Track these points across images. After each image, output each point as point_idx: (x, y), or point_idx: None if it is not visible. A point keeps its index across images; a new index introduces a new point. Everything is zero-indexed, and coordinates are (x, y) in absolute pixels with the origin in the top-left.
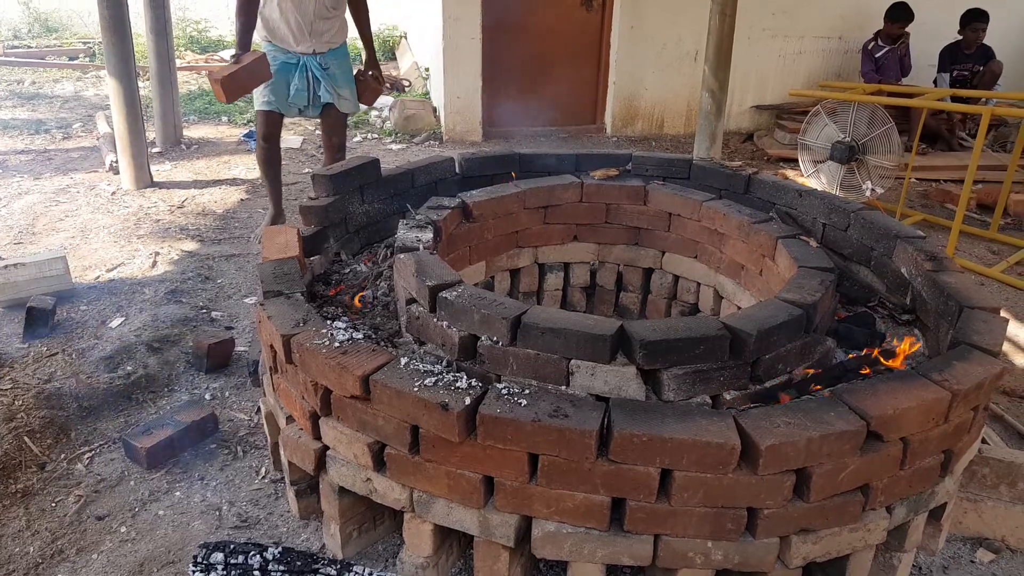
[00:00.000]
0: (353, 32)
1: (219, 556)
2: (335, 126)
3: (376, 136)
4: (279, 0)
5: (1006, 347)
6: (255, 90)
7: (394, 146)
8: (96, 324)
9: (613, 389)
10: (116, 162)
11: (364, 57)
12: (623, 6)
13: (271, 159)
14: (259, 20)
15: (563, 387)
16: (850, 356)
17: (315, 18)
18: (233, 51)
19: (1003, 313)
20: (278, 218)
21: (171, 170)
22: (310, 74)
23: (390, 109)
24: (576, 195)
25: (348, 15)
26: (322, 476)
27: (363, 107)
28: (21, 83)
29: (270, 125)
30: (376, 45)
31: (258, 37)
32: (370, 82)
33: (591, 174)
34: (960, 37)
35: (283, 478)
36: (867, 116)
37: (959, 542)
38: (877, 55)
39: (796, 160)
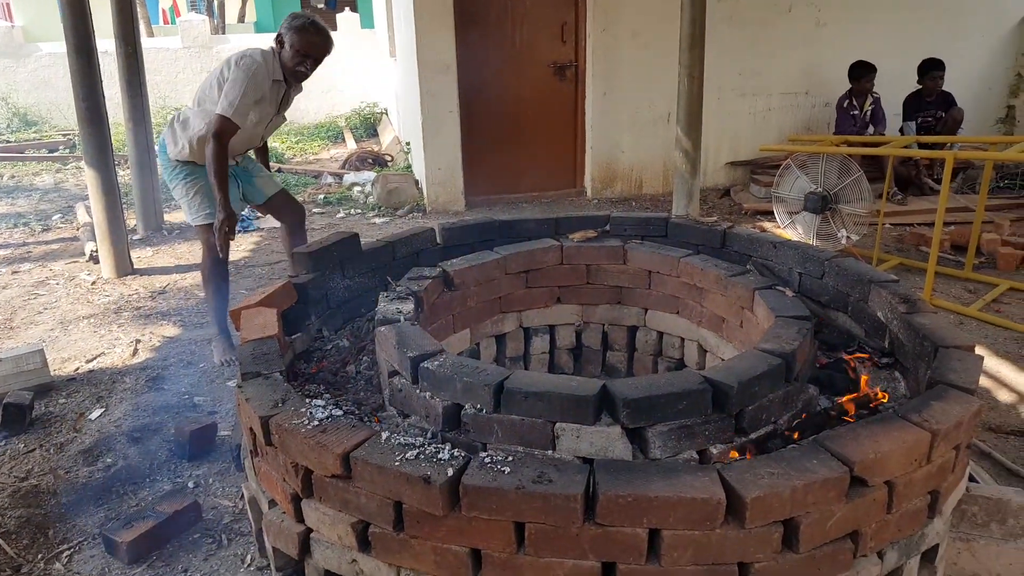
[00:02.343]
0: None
1: None
2: (283, 203)
3: (359, 211)
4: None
5: (990, 384)
6: (191, 205)
7: (378, 220)
8: (75, 417)
9: (600, 450)
10: (96, 251)
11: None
12: (595, 74)
13: (222, 273)
14: (187, 147)
15: (550, 451)
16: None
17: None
18: (220, 209)
19: (980, 350)
20: (227, 336)
21: (152, 256)
22: (237, 180)
23: (373, 184)
24: (556, 258)
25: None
26: (307, 560)
27: (347, 180)
28: (0, 178)
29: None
30: (358, 122)
31: (174, 156)
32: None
33: (570, 236)
34: (920, 86)
35: (269, 565)
36: (837, 167)
37: None
38: (853, 112)
39: (773, 213)
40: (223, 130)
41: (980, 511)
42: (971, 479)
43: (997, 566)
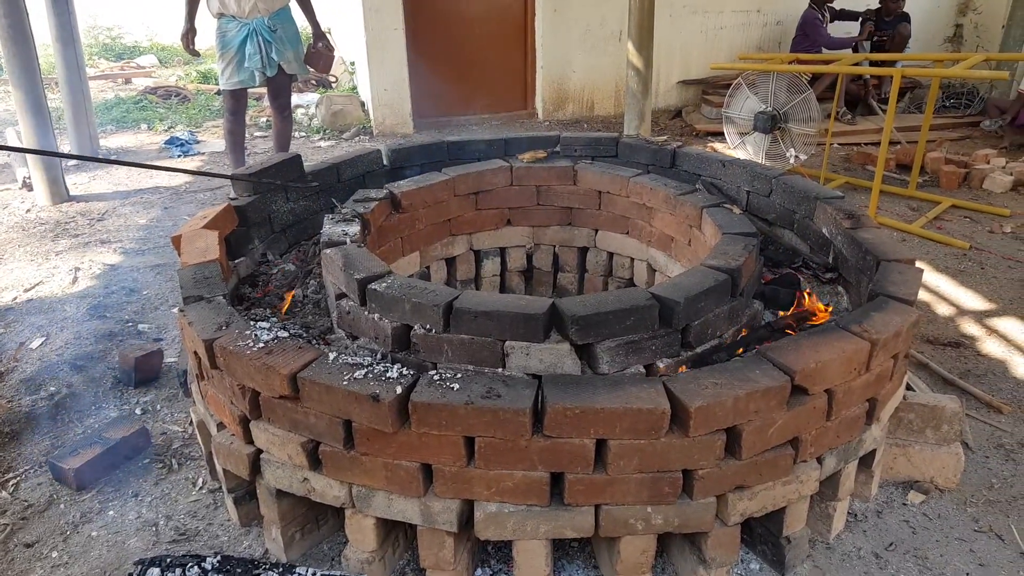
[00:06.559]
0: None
1: (155, 571)
2: (280, 88)
3: (304, 134)
4: None
5: (929, 298)
6: (220, 69)
7: (323, 143)
8: (15, 347)
9: (549, 367)
10: (29, 178)
11: (311, 30)
12: None
13: (237, 131)
14: None
15: (500, 369)
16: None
17: None
18: (183, 25)
19: (919, 264)
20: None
21: (89, 183)
22: (260, 39)
23: (317, 106)
24: (506, 179)
25: None
26: (258, 480)
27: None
28: None
29: (235, 100)
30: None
31: (212, 14)
32: (321, 51)
33: (519, 157)
34: (879, 6)
35: (220, 487)
36: (786, 85)
37: (891, 487)
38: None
39: (723, 134)
40: None
41: (916, 418)
42: (908, 388)
43: (931, 470)
